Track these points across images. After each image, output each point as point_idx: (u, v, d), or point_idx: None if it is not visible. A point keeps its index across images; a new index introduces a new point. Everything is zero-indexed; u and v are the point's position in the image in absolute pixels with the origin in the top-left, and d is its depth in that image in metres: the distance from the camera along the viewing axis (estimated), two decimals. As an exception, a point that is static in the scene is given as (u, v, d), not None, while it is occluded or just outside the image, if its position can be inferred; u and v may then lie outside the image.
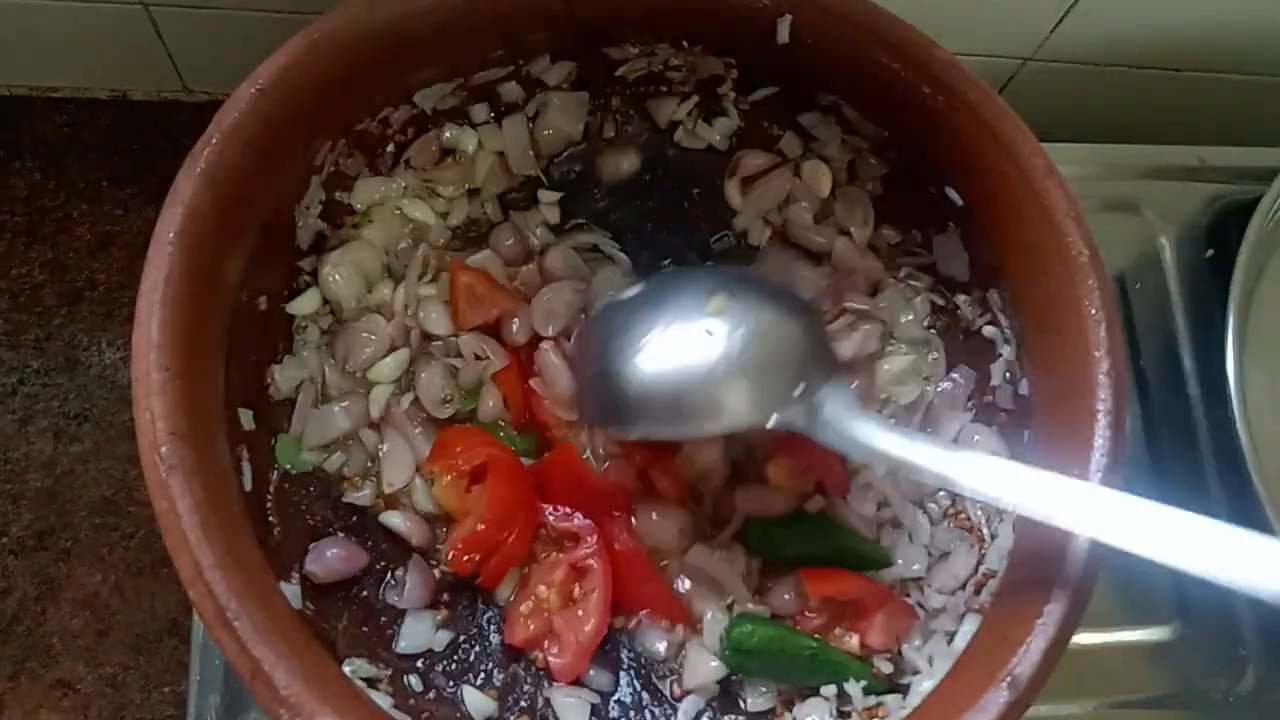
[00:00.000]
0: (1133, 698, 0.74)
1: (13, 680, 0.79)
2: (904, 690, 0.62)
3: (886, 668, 0.64)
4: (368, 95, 0.65)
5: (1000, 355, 0.68)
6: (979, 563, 0.64)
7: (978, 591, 0.63)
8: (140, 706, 0.80)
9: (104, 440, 0.85)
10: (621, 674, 0.64)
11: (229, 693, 0.66)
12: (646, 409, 0.60)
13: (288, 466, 0.63)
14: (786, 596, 0.64)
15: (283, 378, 0.64)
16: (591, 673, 0.63)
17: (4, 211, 0.88)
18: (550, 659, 0.62)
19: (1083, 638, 0.51)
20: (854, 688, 0.62)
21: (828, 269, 0.73)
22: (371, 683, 0.59)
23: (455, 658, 0.63)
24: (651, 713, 0.64)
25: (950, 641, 0.62)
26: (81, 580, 0.82)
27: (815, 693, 0.62)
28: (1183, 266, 0.85)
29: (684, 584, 0.66)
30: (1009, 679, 0.52)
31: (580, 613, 0.62)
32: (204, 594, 0.48)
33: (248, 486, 0.59)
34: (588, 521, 0.64)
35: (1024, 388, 0.66)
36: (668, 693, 0.64)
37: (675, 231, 0.74)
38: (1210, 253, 0.85)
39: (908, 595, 0.65)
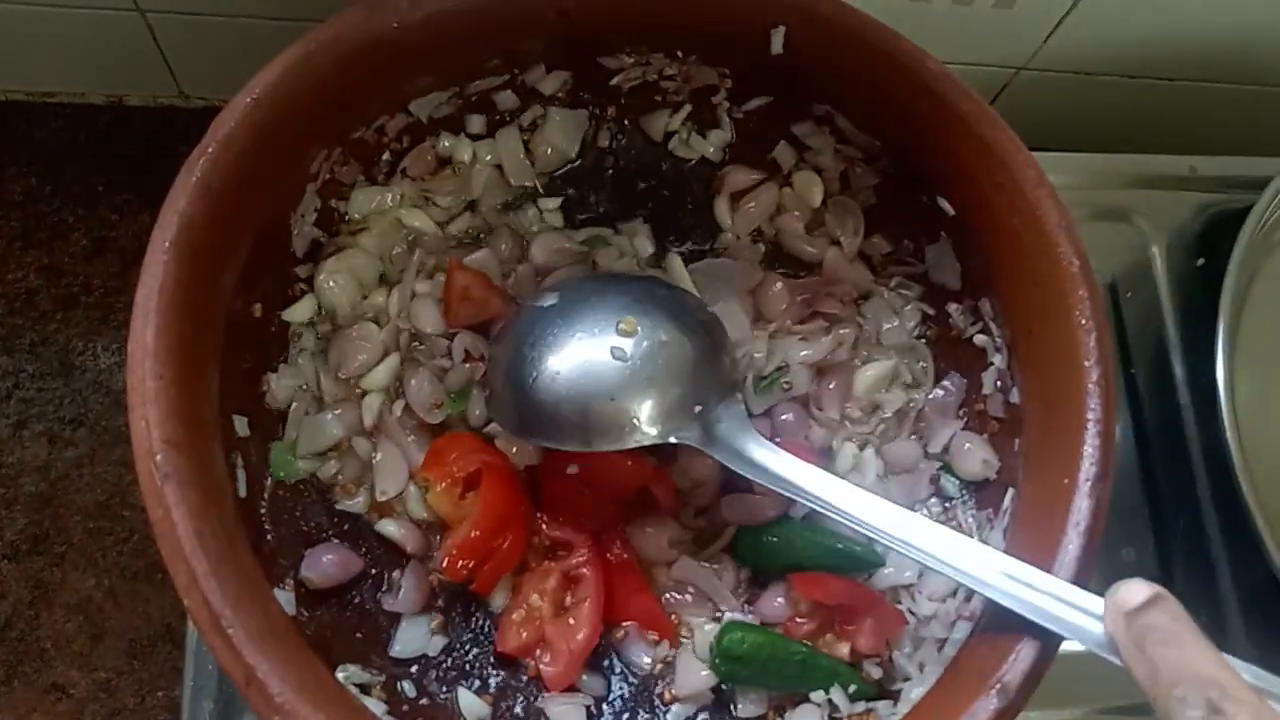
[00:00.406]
0: (1123, 704, 0.75)
1: (6, 685, 0.79)
2: (895, 697, 0.62)
3: (876, 673, 0.64)
4: (363, 104, 0.65)
5: (991, 364, 0.68)
6: (970, 570, 0.65)
7: (968, 599, 0.63)
8: (134, 712, 0.80)
9: (98, 445, 0.85)
10: (613, 680, 0.65)
11: (223, 698, 0.66)
12: (551, 421, 0.61)
13: (283, 476, 0.64)
14: (776, 603, 0.65)
15: (279, 386, 0.65)
16: (584, 678, 0.64)
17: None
18: (542, 667, 0.62)
19: (1073, 644, 0.52)
20: (842, 696, 0.62)
21: (802, 280, 0.73)
22: (365, 689, 0.60)
23: (449, 664, 0.64)
24: None
25: (941, 648, 0.62)
26: (75, 585, 0.82)
27: (806, 699, 0.63)
28: (1174, 275, 0.86)
29: (673, 596, 0.66)
30: (999, 686, 0.53)
31: (572, 621, 0.62)
32: (199, 601, 0.48)
33: (242, 493, 0.60)
34: (581, 530, 0.64)
35: (1015, 396, 0.66)
36: (659, 700, 0.64)
37: (669, 239, 0.74)
38: (1201, 261, 0.86)
39: (899, 602, 0.66)
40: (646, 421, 0.61)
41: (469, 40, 0.65)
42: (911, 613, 0.65)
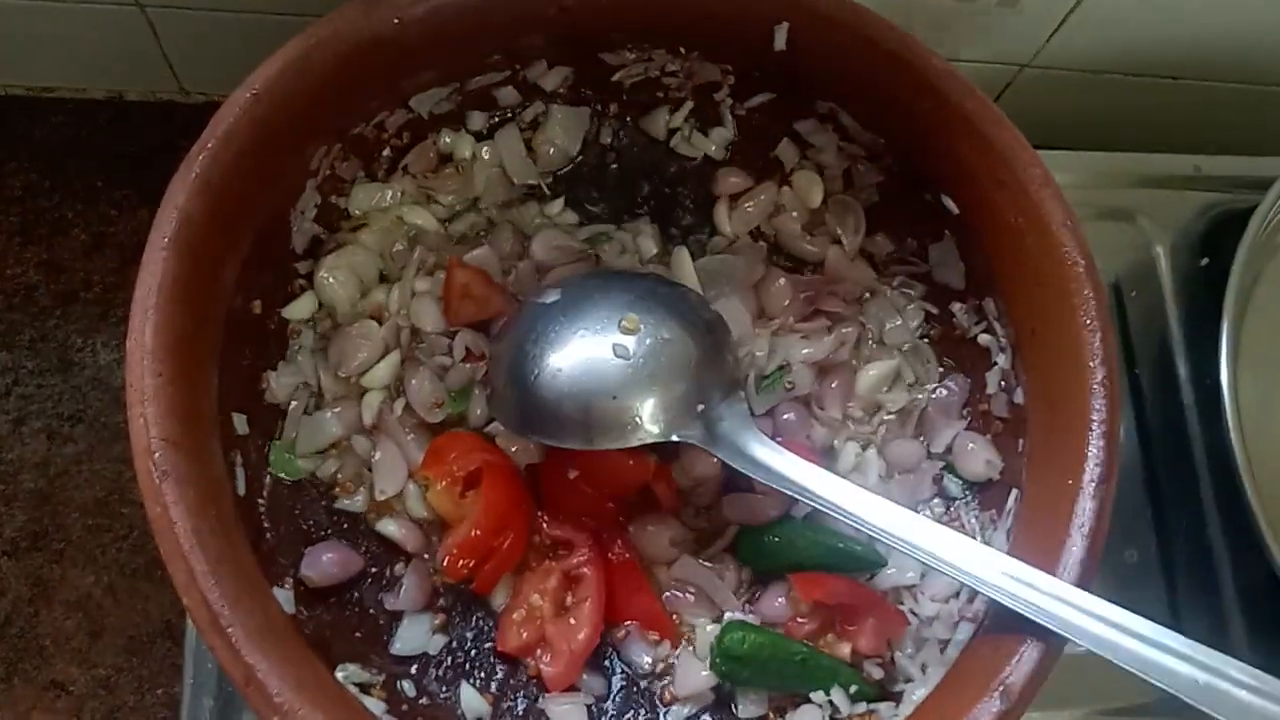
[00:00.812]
0: (1124, 705, 0.74)
1: (5, 682, 0.79)
2: (897, 698, 0.62)
3: (878, 674, 0.63)
4: (363, 100, 0.65)
5: (995, 364, 0.68)
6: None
7: (971, 599, 0.63)
8: (133, 709, 0.80)
9: (97, 442, 0.84)
10: (614, 680, 0.64)
11: (222, 695, 0.66)
12: (553, 419, 0.61)
13: (282, 475, 0.63)
14: (777, 603, 0.64)
15: (279, 384, 0.64)
16: (584, 678, 0.63)
17: (-1, 212, 0.88)
18: (543, 667, 0.62)
19: (1075, 645, 0.52)
20: (843, 697, 0.62)
21: (804, 277, 0.73)
22: (365, 688, 0.59)
23: (449, 663, 0.63)
24: (645, 720, 0.64)
25: (944, 649, 0.62)
26: (74, 582, 0.82)
27: (807, 700, 0.62)
28: (1178, 275, 0.86)
29: (674, 595, 0.66)
30: (1002, 688, 0.53)
31: (573, 621, 0.62)
32: (198, 600, 0.48)
33: (241, 491, 0.59)
34: (582, 529, 0.64)
35: (1019, 396, 0.66)
36: (659, 700, 0.64)
37: (671, 236, 0.74)
38: (1206, 261, 0.85)
39: (901, 603, 0.65)
40: (649, 420, 0.60)
41: (469, 36, 0.65)
42: (914, 613, 0.65)
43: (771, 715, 0.64)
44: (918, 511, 0.67)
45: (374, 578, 0.64)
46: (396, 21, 0.61)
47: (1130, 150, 0.89)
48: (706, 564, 0.66)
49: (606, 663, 0.65)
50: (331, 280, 0.67)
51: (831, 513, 0.58)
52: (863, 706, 0.62)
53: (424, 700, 0.62)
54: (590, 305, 0.62)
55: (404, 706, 0.60)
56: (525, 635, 0.62)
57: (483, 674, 0.63)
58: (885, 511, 0.57)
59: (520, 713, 0.63)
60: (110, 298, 0.88)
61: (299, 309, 0.66)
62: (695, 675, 0.63)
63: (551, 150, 0.73)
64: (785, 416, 0.69)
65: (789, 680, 0.63)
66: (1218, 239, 0.85)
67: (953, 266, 0.70)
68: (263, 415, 0.64)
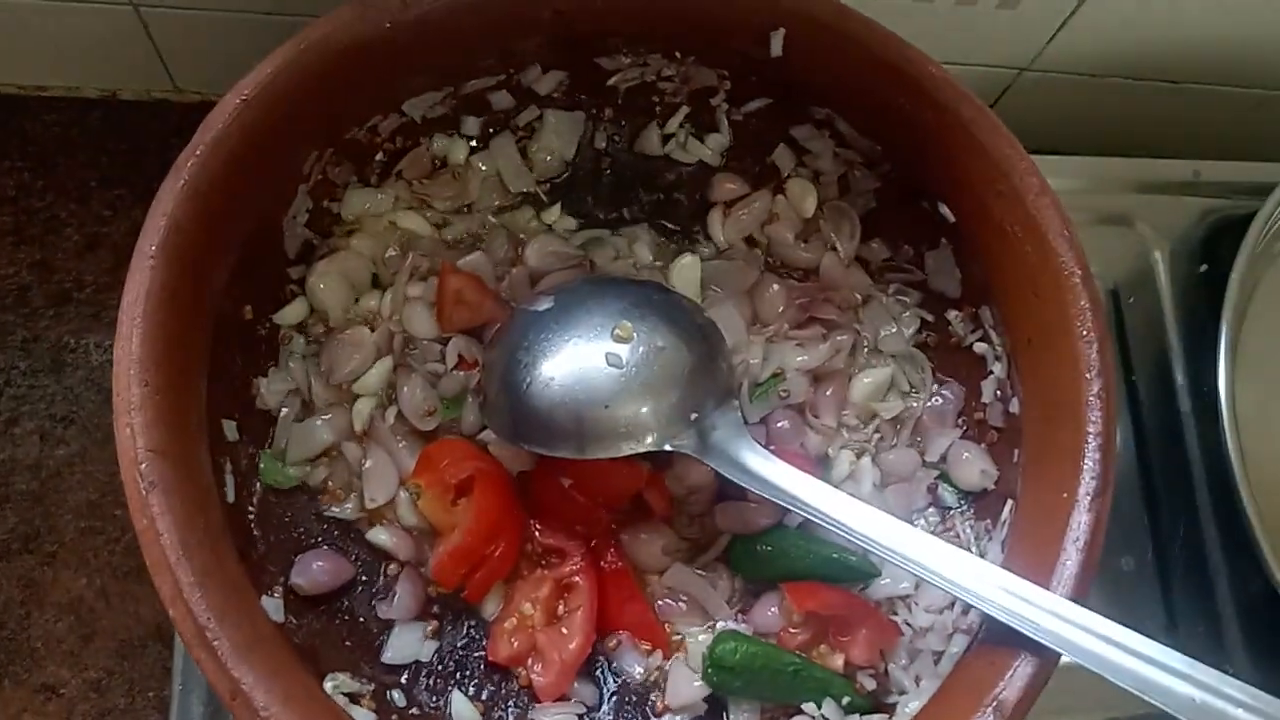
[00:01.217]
0: (1119, 715, 0.74)
1: (-5, 684, 0.79)
2: (890, 710, 0.62)
3: (870, 685, 0.63)
4: (355, 104, 0.65)
5: (991, 372, 0.67)
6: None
7: (965, 611, 0.62)
8: (124, 712, 0.79)
9: (90, 443, 0.84)
10: (605, 690, 0.64)
11: (212, 700, 0.66)
12: (545, 428, 0.60)
13: (273, 483, 0.63)
14: (770, 613, 0.64)
15: (269, 390, 0.64)
16: (575, 686, 0.63)
17: (-8, 211, 0.87)
18: (534, 677, 0.62)
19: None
20: (835, 709, 0.61)
21: (799, 283, 0.72)
22: (354, 698, 0.59)
23: (439, 672, 0.63)
24: (635, 730, 0.64)
25: (937, 661, 0.62)
26: (66, 584, 0.81)
27: (799, 711, 0.62)
28: (1177, 281, 0.85)
29: (666, 604, 0.65)
30: (995, 704, 0.52)
31: (564, 630, 0.61)
32: (184, 613, 0.47)
33: (231, 499, 0.59)
34: (574, 537, 0.64)
35: (1014, 406, 0.65)
36: (651, 711, 0.64)
37: (667, 241, 0.74)
38: (1204, 268, 0.85)
39: (895, 613, 0.65)
40: (641, 429, 0.60)
41: (463, 40, 0.64)
42: (908, 624, 0.65)
43: (764, 726, 0.63)
44: (912, 521, 0.68)
45: (365, 586, 0.64)
46: (389, 25, 0.60)
47: (1129, 155, 0.89)
48: (699, 573, 0.66)
49: (598, 672, 0.64)
50: (323, 286, 0.66)
51: (825, 524, 0.58)
52: (855, 718, 0.62)
53: (414, 710, 0.61)
54: (583, 313, 0.62)
55: (393, 717, 0.60)
56: (516, 644, 0.62)
57: (473, 684, 0.63)
58: (878, 523, 0.57)
59: (511, 723, 0.63)
60: (103, 298, 0.87)
61: (290, 315, 0.66)
62: (687, 686, 0.63)
63: (548, 158, 0.72)
64: (779, 424, 0.69)
65: (781, 691, 0.62)
66: (1217, 245, 0.85)
67: (949, 274, 0.69)
68: (253, 422, 0.63)
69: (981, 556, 0.64)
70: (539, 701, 0.62)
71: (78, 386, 0.85)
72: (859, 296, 0.72)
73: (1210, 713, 0.48)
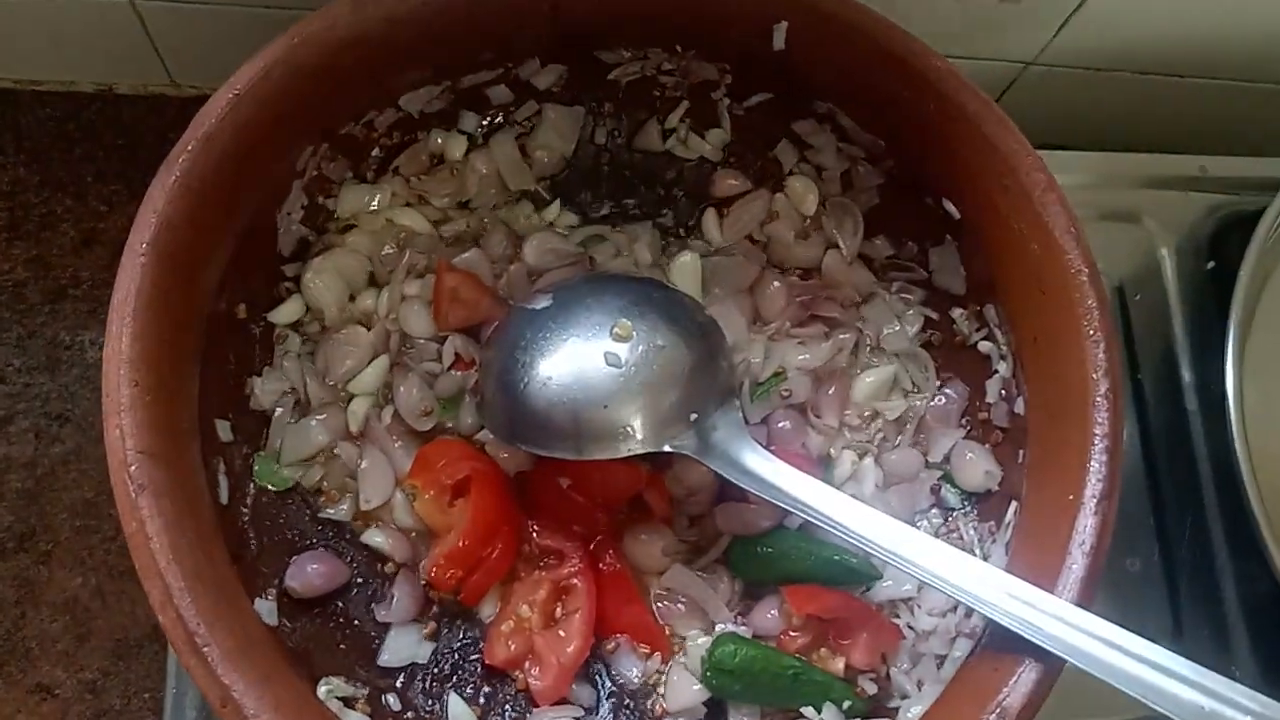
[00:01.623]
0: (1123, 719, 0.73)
1: (-10, 685, 0.78)
2: (891, 715, 0.61)
3: (871, 689, 0.63)
4: (351, 99, 0.64)
5: (996, 372, 0.67)
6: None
7: (969, 614, 0.61)
8: (120, 713, 0.79)
9: (85, 441, 0.83)
10: (603, 693, 0.63)
11: (206, 704, 0.65)
12: (542, 428, 0.60)
13: (268, 485, 0.62)
14: (770, 615, 0.63)
15: (263, 390, 0.63)
16: (573, 689, 0.62)
17: (-13, 207, 0.87)
18: (531, 680, 0.61)
19: (1075, 661, 0.51)
20: (836, 713, 0.61)
21: (799, 281, 0.72)
22: (348, 702, 0.58)
23: (435, 675, 0.62)
24: (635, 734, 0.63)
25: (940, 666, 0.61)
26: (62, 583, 0.81)
27: (799, 715, 0.61)
28: (1183, 278, 0.84)
29: (665, 606, 0.65)
30: (999, 710, 0.52)
31: (562, 633, 0.61)
32: (173, 619, 0.47)
33: (224, 500, 0.58)
34: (573, 538, 0.63)
35: (1019, 406, 0.65)
36: (649, 714, 0.63)
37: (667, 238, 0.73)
38: (1211, 264, 0.84)
39: (897, 616, 0.64)
40: (640, 429, 0.59)
41: (460, 34, 0.64)
42: (910, 628, 0.64)
43: (764, 730, 0.63)
44: (915, 523, 0.67)
45: (360, 588, 0.63)
46: (385, 18, 0.59)
47: (1135, 150, 0.88)
48: (699, 575, 0.65)
49: (596, 676, 0.64)
50: (319, 283, 0.65)
51: (826, 525, 0.57)
52: (858, 723, 0.61)
53: (409, 714, 0.61)
54: (582, 311, 0.61)
55: (389, 721, 0.60)
56: (513, 647, 0.61)
57: (469, 687, 0.62)
58: (880, 525, 0.56)
59: (509, 727, 0.62)
60: (99, 295, 0.86)
61: (285, 313, 0.65)
62: (686, 689, 0.62)
63: (547, 157, 0.72)
64: (780, 424, 0.68)
65: (781, 695, 0.62)
66: (1224, 241, 0.84)
67: (953, 271, 0.69)
68: (247, 422, 0.62)
69: (985, 559, 0.63)
70: (536, 705, 0.61)
71: (73, 384, 0.85)
72: (861, 294, 0.71)
73: None
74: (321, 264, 0.66)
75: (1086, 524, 0.54)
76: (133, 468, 0.48)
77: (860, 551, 0.61)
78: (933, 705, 0.58)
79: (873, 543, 0.56)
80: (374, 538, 0.63)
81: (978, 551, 0.65)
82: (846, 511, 0.57)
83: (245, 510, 0.61)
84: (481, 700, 0.62)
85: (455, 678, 0.62)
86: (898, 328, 0.70)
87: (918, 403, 0.70)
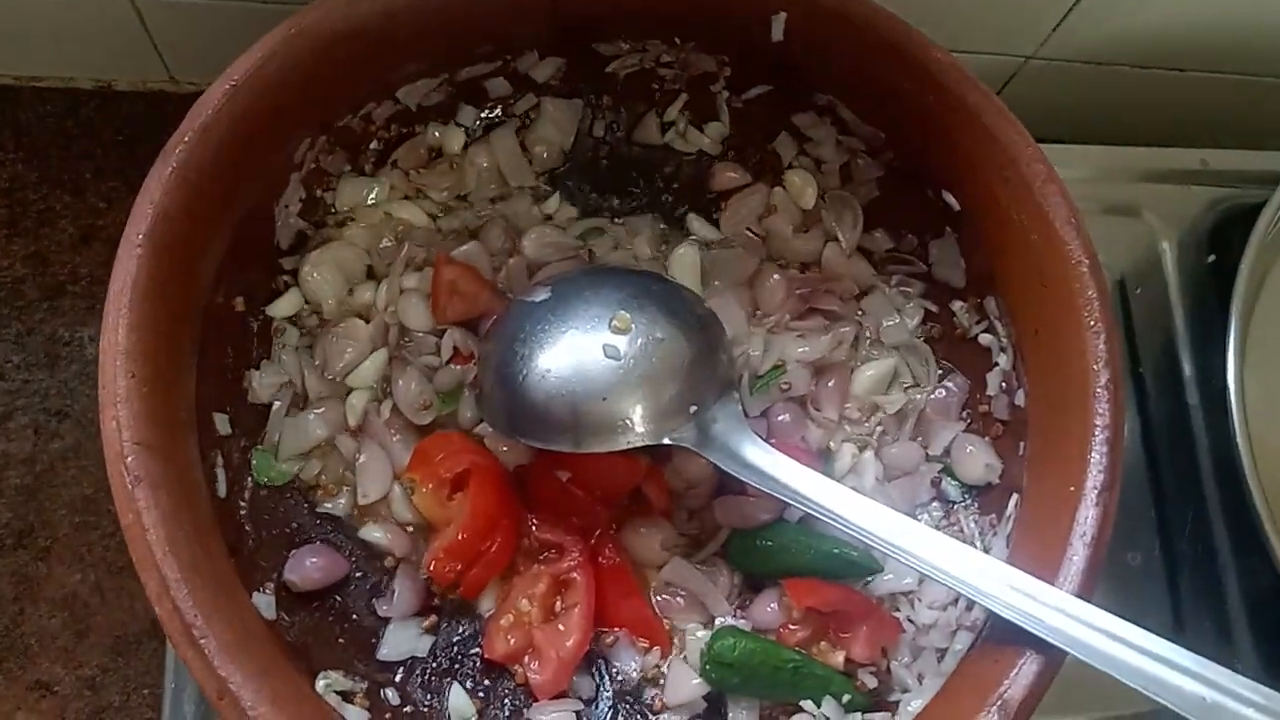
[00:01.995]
0: (1125, 713, 0.73)
1: (-11, 682, 0.78)
2: (892, 709, 0.61)
3: (872, 682, 0.62)
4: (348, 91, 0.64)
5: (996, 364, 0.66)
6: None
7: (970, 607, 0.61)
8: (119, 709, 0.79)
9: (84, 437, 0.83)
10: (602, 687, 0.63)
11: (204, 700, 0.65)
12: (541, 421, 0.60)
13: (266, 480, 0.62)
14: (769, 609, 0.63)
15: (261, 384, 0.63)
16: (573, 683, 0.62)
17: (-14, 203, 0.87)
18: (530, 675, 0.61)
19: (1076, 653, 0.51)
20: (836, 707, 0.61)
21: (799, 274, 0.71)
22: (347, 696, 0.58)
23: (434, 669, 0.62)
24: (634, 727, 0.63)
25: (941, 659, 0.61)
26: (61, 580, 0.81)
27: (799, 709, 0.61)
28: (1184, 271, 0.84)
29: (664, 600, 0.64)
30: (1000, 702, 0.51)
31: (561, 627, 0.61)
32: (170, 610, 0.47)
33: (222, 493, 0.58)
34: (572, 532, 0.63)
35: (1020, 398, 0.64)
36: (648, 708, 0.63)
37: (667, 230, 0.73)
38: (1212, 258, 0.84)
39: (898, 609, 0.64)
40: (640, 422, 0.59)
41: (458, 26, 0.64)
42: (910, 621, 0.64)
43: (763, 723, 0.62)
44: (916, 515, 0.67)
45: (359, 582, 0.63)
46: (382, 11, 0.59)
47: (1136, 144, 0.88)
48: (698, 568, 0.65)
49: (595, 670, 0.63)
50: (316, 276, 0.65)
51: (826, 518, 0.57)
52: (857, 717, 0.61)
53: (407, 708, 0.60)
54: (581, 303, 0.61)
55: (387, 715, 0.59)
56: (513, 641, 0.61)
57: (469, 681, 0.62)
58: (881, 518, 0.56)
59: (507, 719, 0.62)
60: (98, 291, 0.85)
61: (283, 306, 0.65)
62: (686, 683, 0.62)
63: (545, 151, 0.72)
64: (780, 417, 0.68)
65: (780, 688, 0.61)
66: (1225, 235, 0.84)
67: (953, 264, 0.69)
68: (245, 415, 0.62)
69: (986, 552, 0.63)
70: (536, 699, 0.61)
71: (72, 380, 0.85)
72: (861, 287, 0.71)
73: (1221, 712, 0.47)
74: (319, 257, 0.66)
75: (1088, 515, 0.54)
76: (129, 459, 0.48)
77: (861, 544, 0.61)
78: (933, 698, 0.57)
79: (873, 535, 0.55)
80: (372, 533, 0.63)
81: (978, 544, 0.64)
82: (847, 504, 0.56)
83: (243, 504, 0.60)
84: (481, 694, 0.62)
85: (454, 671, 0.62)
86: (897, 320, 0.70)
87: (918, 396, 0.70)
